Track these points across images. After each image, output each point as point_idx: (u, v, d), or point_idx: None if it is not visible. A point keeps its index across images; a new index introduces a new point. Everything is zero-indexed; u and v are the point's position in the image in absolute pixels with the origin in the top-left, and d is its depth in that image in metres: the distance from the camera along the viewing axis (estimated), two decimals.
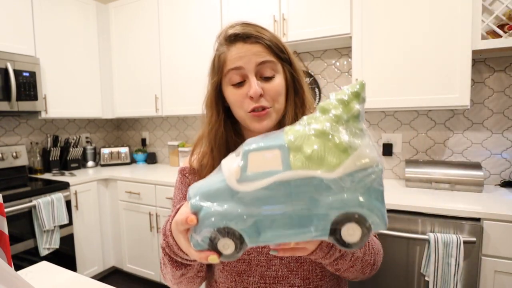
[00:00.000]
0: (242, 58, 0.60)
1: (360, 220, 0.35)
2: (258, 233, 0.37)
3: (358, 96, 0.38)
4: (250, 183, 0.36)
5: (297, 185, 0.35)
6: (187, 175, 0.72)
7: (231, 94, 0.62)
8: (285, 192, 0.36)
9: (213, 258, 0.39)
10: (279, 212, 0.36)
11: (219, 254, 0.39)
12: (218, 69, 0.63)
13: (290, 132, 0.38)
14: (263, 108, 0.61)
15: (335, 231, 0.36)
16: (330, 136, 0.35)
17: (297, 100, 0.66)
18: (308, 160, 0.35)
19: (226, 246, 0.38)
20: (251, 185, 0.36)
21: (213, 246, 0.39)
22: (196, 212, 0.39)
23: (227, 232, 0.37)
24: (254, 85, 0.59)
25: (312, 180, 0.35)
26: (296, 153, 0.35)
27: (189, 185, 0.71)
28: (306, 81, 0.69)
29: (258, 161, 0.36)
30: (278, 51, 0.63)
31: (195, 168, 0.71)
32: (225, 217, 0.37)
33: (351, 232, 0.35)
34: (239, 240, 0.38)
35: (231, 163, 0.39)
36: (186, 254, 0.49)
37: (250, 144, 0.38)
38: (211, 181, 0.40)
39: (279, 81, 0.63)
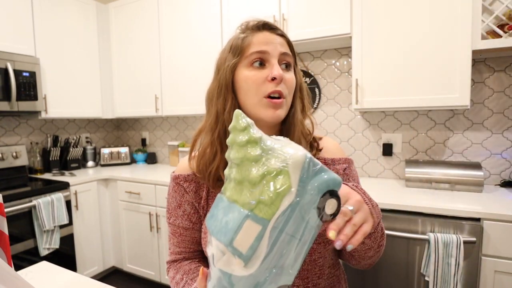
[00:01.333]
0: (269, 44, 0.62)
1: (330, 194, 0.42)
2: (289, 272, 0.41)
3: (248, 126, 0.42)
4: (254, 257, 0.39)
5: (281, 223, 0.39)
6: (181, 183, 0.70)
7: (251, 76, 0.62)
8: (279, 235, 0.40)
9: None
10: (288, 248, 0.41)
11: None
12: (240, 51, 0.63)
13: (235, 197, 0.41)
14: (280, 96, 0.62)
15: (323, 216, 0.42)
16: (266, 174, 0.39)
17: (301, 104, 0.68)
18: (272, 203, 0.39)
19: None
20: (257, 259, 0.39)
21: None
22: None
23: None
24: (278, 68, 0.61)
25: (286, 210, 0.39)
26: (258, 207, 0.39)
27: (183, 194, 0.70)
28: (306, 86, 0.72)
29: (243, 240, 0.39)
30: (293, 50, 0.67)
31: (189, 175, 0.69)
32: None
33: (331, 206, 0.42)
34: None
35: (226, 261, 0.40)
36: None
37: (218, 232, 0.41)
38: (225, 285, 0.41)
39: (293, 76, 0.65)
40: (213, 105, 0.65)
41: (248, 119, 0.43)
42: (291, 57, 0.65)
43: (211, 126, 0.65)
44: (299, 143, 0.65)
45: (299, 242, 0.41)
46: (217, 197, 0.46)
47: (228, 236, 0.39)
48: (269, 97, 0.61)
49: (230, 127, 0.44)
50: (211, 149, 0.65)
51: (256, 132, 0.42)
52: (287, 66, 0.65)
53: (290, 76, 0.64)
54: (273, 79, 0.60)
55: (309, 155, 0.41)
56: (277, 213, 0.39)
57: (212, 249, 0.43)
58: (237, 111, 0.44)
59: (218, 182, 0.67)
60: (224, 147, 0.64)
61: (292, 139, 0.65)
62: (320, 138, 0.73)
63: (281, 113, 0.63)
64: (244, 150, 0.41)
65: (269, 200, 0.39)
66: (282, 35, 0.65)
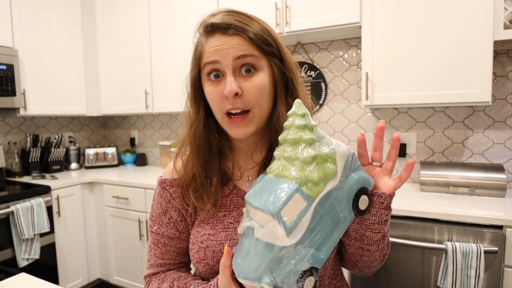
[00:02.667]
0: (219, 52, 0.59)
1: (364, 191, 0.53)
2: (320, 254, 0.50)
3: (306, 114, 0.52)
4: (295, 230, 0.47)
5: (323, 204, 0.49)
6: (167, 188, 0.71)
7: (209, 92, 0.62)
8: (319, 215, 0.49)
9: None
10: (324, 229, 0.50)
11: None
12: (196, 62, 0.64)
13: (285, 173, 0.49)
14: (242, 111, 0.60)
15: (354, 209, 0.52)
16: (317, 156, 0.49)
17: (290, 100, 0.63)
18: (317, 184, 0.48)
19: (309, 282, 0.49)
20: (298, 232, 0.47)
21: None
22: (274, 285, 0.48)
23: (304, 275, 0.48)
24: (230, 84, 0.57)
25: (329, 193, 0.49)
26: (307, 185, 0.48)
27: (169, 200, 0.70)
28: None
29: (289, 212, 0.46)
30: (263, 44, 0.60)
31: (176, 179, 0.70)
32: (296, 268, 0.47)
33: (363, 202, 0.53)
34: (315, 271, 0.49)
35: (269, 230, 0.47)
36: None
37: (264, 204, 0.48)
38: (260, 254, 0.48)
39: (260, 79, 0.60)
40: (188, 113, 0.69)
41: (306, 109, 0.53)
42: (255, 55, 0.60)
43: (188, 136, 0.68)
44: None
45: (333, 229, 0.51)
46: (259, 177, 0.54)
47: (277, 205, 0.46)
48: (229, 113, 0.60)
49: (290, 112, 0.53)
50: (189, 161, 0.68)
51: (313, 121, 0.52)
52: (251, 69, 0.60)
53: (252, 83, 0.59)
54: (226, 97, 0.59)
55: (352, 151, 0.52)
56: (321, 193, 0.48)
57: (249, 222, 0.50)
58: (297, 100, 0.53)
59: (189, 198, 0.68)
60: (194, 160, 0.66)
61: (275, 140, 0.63)
62: None
63: (246, 130, 0.61)
64: (301, 133, 0.51)
65: (317, 179, 0.48)
66: (238, 34, 0.59)
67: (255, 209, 0.49)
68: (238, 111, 0.59)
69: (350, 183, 0.51)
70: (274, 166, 0.52)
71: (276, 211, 0.46)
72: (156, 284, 0.69)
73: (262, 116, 0.62)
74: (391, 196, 0.55)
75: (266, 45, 0.61)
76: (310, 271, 0.48)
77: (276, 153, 0.53)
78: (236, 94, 0.58)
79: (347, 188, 0.51)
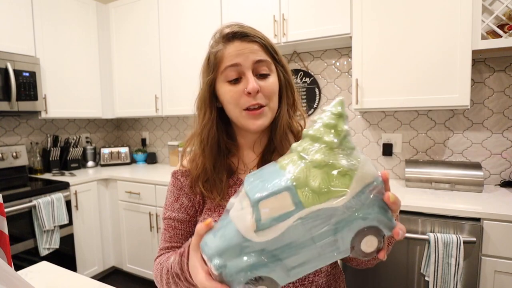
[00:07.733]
0: (240, 56, 0.61)
1: (374, 232, 0.38)
2: (287, 272, 0.39)
3: (342, 116, 0.40)
4: (268, 230, 0.37)
5: (313, 219, 0.37)
6: (179, 177, 0.72)
7: (227, 91, 0.63)
8: (303, 229, 0.37)
9: None
10: (302, 248, 0.38)
11: None
12: (214, 66, 0.64)
13: (288, 167, 0.39)
14: (260, 106, 0.62)
15: (354, 247, 0.38)
16: (330, 164, 0.37)
17: (288, 100, 0.69)
18: (317, 194, 0.36)
19: None
20: (270, 233, 0.37)
21: None
22: (221, 272, 0.40)
23: (258, 280, 0.38)
24: (252, 81, 0.60)
25: (326, 211, 0.36)
26: (303, 189, 0.37)
27: (181, 188, 0.71)
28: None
29: (269, 208, 0.37)
30: (272, 51, 0.65)
31: (187, 170, 0.71)
32: (252, 268, 0.38)
33: (369, 244, 0.38)
34: (272, 283, 0.39)
35: (241, 215, 0.39)
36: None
37: (253, 188, 0.39)
38: (225, 236, 0.40)
39: (273, 80, 0.64)
40: (199, 116, 0.69)
41: (344, 110, 0.41)
42: (269, 61, 0.64)
43: (198, 134, 0.68)
44: (286, 138, 0.68)
45: (315, 251, 0.38)
46: (269, 164, 0.45)
47: (260, 195, 0.37)
48: (248, 109, 0.62)
49: (326, 107, 0.42)
50: (196, 158, 0.68)
51: (345, 126, 0.40)
52: (266, 73, 0.64)
53: (268, 83, 0.63)
54: (249, 93, 0.61)
55: (381, 179, 0.38)
56: (316, 207, 0.36)
57: (235, 199, 0.43)
58: (340, 98, 0.42)
59: (196, 188, 0.68)
60: (205, 158, 0.66)
61: (276, 134, 0.67)
62: None
63: (264, 121, 0.63)
64: (324, 130, 0.39)
65: (317, 189, 0.36)
66: (255, 41, 0.63)
67: (244, 190, 0.41)
68: (257, 106, 0.62)
69: (359, 215, 0.37)
70: (285, 157, 0.42)
71: (256, 199, 0.37)
72: (157, 262, 0.69)
73: (274, 111, 0.65)
74: None
75: (275, 53, 0.66)
76: (266, 281, 0.39)
77: (294, 145, 0.43)
78: (257, 91, 0.61)
79: (353, 218, 0.37)
